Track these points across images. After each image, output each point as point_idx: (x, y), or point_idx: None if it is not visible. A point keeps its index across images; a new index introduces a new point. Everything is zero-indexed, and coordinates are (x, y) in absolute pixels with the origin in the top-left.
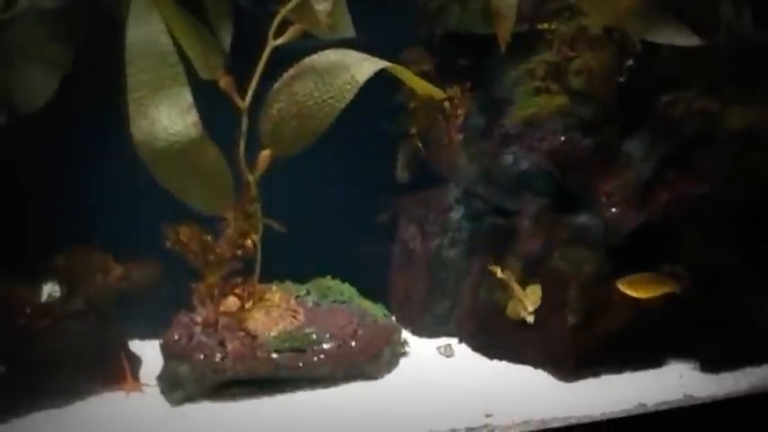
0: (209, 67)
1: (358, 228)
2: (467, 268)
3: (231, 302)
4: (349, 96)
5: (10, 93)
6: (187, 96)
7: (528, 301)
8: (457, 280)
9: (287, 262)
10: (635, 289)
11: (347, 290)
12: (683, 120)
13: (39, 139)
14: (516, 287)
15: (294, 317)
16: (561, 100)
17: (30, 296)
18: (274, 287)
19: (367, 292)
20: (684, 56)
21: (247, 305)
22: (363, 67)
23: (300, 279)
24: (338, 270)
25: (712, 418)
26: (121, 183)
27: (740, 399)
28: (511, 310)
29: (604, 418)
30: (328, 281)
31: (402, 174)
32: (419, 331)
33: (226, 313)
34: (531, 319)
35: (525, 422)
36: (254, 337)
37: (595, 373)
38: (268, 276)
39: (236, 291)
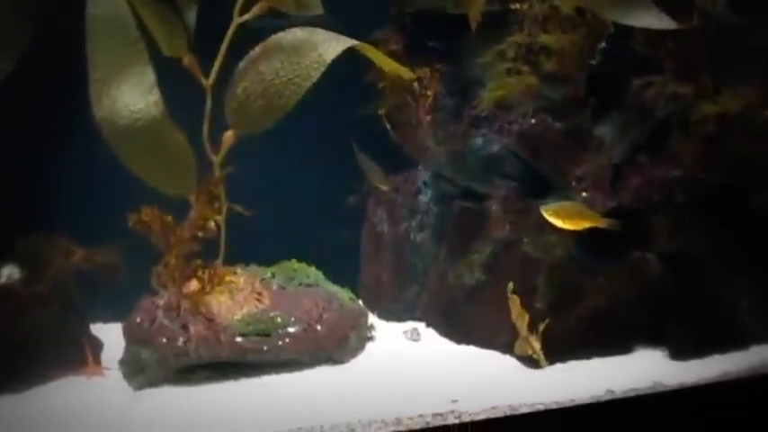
0: (172, 44)
1: (327, 211)
2: (435, 252)
3: (194, 285)
4: (316, 75)
5: None
6: (150, 75)
7: (536, 341)
8: (425, 264)
9: (255, 245)
10: (560, 218)
11: (313, 273)
12: (656, 103)
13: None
14: (522, 326)
15: (259, 300)
16: (532, 81)
17: None
18: (239, 270)
19: (335, 276)
20: (658, 39)
21: (207, 287)
22: (331, 45)
23: (268, 263)
24: (306, 254)
25: (681, 405)
26: (85, 166)
27: (709, 386)
28: (518, 348)
29: (573, 404)
30: (294, 264)
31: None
32: (386, 315)
33: (188, 296)
34: (540, 357)
35: (493, 408)
36: (218, 321)
37: (564, 360)
38: (235, 260)
39: (198, 273)
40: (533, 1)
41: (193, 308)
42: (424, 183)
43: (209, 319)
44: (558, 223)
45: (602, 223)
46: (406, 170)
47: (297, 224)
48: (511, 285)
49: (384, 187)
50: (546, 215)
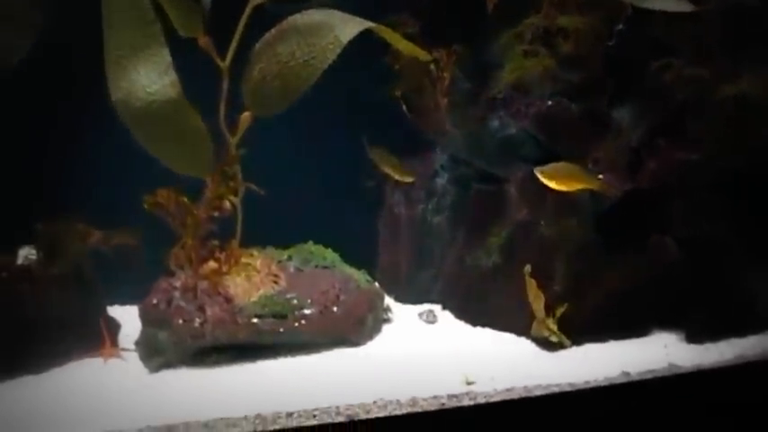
0: (188, 25)
1: (344, 194)
2: (452, 234)
3: (210, 267)
4: (332, 57)
5: None
6: (166, 56)
7: (551, 322)
8: (442, 246)
9: (272, 228)
10: (555, 180)
11: (330, 255)
12: (674, 86)
13: (15, 104)
14: (539, 308)
15: (275, 282)
16: (549, 64)
17: (6, 261)
18: (255, 252)
19: (352, 259)
20: (675, 21)
21: (224, 268)
22: (347, 27)
23: (285, 245)
24: (323, 236)
25: (696, 387)
26: (103, 149)
27: (725, 369)
28: (535, 330)
29: (588, 386)
30: (311, 246)
31: None
32: (403, 297)
33: (205, 277)
34: (562, 338)
35: (508, 390)
36: (235, 303)
37: (580, 342)
38: (252, 242)
39: (215, 254)
40: None
41: (210, 289)
42: (442, 166)
43: (227, 300)
44: (553, 185)
45: (597, 186)
46: (422, 153)
47: (314, 206)
48: (528, 267)
49: (408, 179)
50: (541, 177)
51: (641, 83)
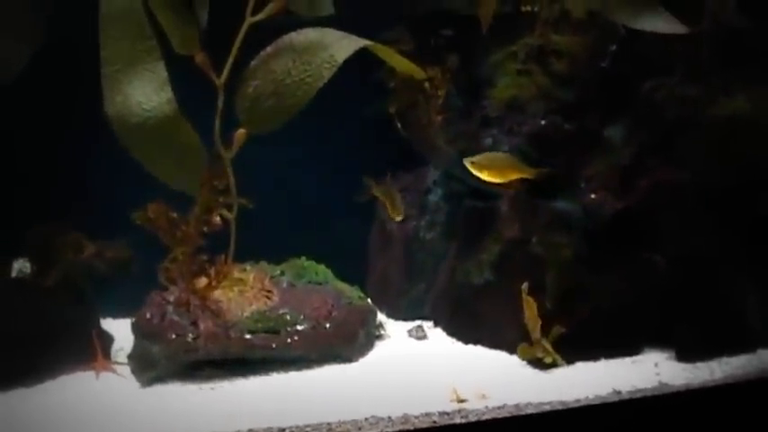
0: (184, 41)
1: (337, 209)
2: (444, 251)
3: (203, 281)
4: (327, 75)
5: None
6: (162, 72)
7: (546, 343)
8: (434, 263)
9: (265, 243)
10: (485, 170)
11: (322, 271)
12: (666, 106)
13: (11, 114)
14: (536, 330)
15: (268, 297)
16: (543, 82)
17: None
18: (248, 267)
19: (344, 274)
20: (668, 42)
21: (214, 282)
22: (343, 45)
23: (277, 260)
24: (316, 252)
25: (687, 406)
26: (98, 160)
27: (715, 388)
28: (522, 353)
29: (579, 404)
30: (303, 262)
31: None
32: (395, 314)
33: (197, 291)
34: (556, 358)
35: (499, 407)
36: (227, 318)
37: (571, 360)
38: (244, 257)
39: (206, 268)
40: (545, 3)
41: (203, 303)
42: (434, 182)
43: (219, 315)
44: (484, 176)
45: (531, 174)
46: (416, 169)
47: (307, 222)
48: (525, 286)
49: (398, 217)
50: (471, 168)
51: (634, 102)
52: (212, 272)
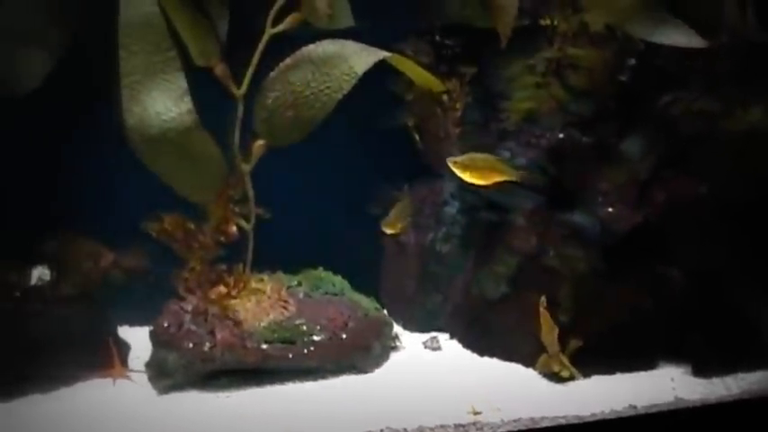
0: (204, 53)
1: (354, 220)
2: (460, 263)
3: (221, 291)
4: (347, 87)
5: (3, 74)
6: (181, 83)
7: (564, 357)
8: (449, 275)
9: (281, 253)
10: (468, 172)
11: (339, 282)
12: (683, 119)
13: (30, 122)
14: (552, 343)
15: (285, 307)
16: (561, 96)
17: (19, 280)
18: (265, 277)
19: (360, 286)
20: (687, 56)
21: (233, 292)
22: (362, 57)
23: (294, 271)
24: (332, 263)
25: (703, 421)
26: (116, 169)
27: (731, 403)
28: (540, 366)
29: (594, 418)
30: (320, 272)
31: None
32: (410, 326)
33: (214, 301)
34: (573, 371)
35: (514, 420)
36: (244, 328)
37: (587, 374)
38: (261, 267)
39: (224, 278)
40: (563, 17)
41: (221, 313)
42: (451, 194)
43: (236, 325)
44: (466, 177)
45: (515, 176)
46: (432, 181)
47: (324, 233)
48: (544, 300)
49: (391, 231)
50: (454, 168)
51: (651, 116)
52: (230, 281)
